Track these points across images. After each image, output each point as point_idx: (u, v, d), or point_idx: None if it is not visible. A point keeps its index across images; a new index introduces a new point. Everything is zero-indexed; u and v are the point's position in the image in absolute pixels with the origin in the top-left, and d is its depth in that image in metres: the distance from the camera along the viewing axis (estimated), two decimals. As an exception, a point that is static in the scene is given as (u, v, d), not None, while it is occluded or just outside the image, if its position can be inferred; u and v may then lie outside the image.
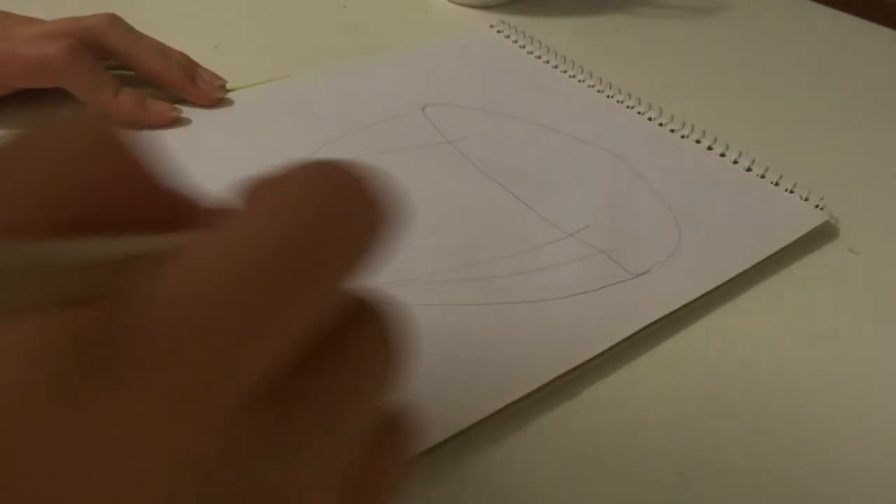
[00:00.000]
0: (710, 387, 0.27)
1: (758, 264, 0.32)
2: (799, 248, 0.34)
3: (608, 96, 0.43)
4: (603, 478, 0.24)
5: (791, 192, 0.36)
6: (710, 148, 0.39)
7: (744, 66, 0.49)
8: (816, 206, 0.35)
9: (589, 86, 0.44)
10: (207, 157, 0.36)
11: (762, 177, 0.37)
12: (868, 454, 0.25)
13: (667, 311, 0.29)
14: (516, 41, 0.48)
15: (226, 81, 0.41)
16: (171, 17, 0.49)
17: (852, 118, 0.44)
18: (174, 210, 0.13)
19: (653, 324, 0.29)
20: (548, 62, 0.46)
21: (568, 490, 0.24)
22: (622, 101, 0.43)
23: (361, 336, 0.12)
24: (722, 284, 0.31)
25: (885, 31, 0.53)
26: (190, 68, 0.40)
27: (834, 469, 0.25)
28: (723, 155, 0.39)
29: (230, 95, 0.41)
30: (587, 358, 0.27)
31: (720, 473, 0.25)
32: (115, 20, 0.38)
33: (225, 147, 0.37)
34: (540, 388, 0.26)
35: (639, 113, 0.42)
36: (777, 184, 0.37)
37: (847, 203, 0.36)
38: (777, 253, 0.33)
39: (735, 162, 0.38)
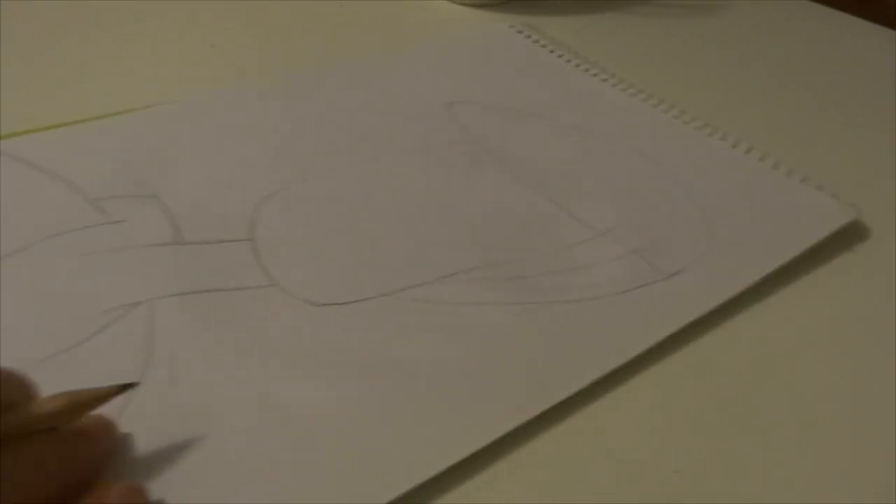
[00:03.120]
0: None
1: (787, 263, 0.32)
2: (827, 247, 0.34)
3: (631, 95, 0.43)
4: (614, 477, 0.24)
5: (819, 189, 0.36)
6: (734, 146, 0.39)
7: (744, 64, 0.48)
8: (845, 204, 0.35)
9: (612, 85, 0.44)
10: (225, 150, 0.36)
11: (788, 175, 0.37)
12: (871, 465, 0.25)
13: (703, 312, 0.29)
14: (536, 41, 0.48)
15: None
16: (167, 16, 0.49)
17: (850, 118, 0.43)
18: None
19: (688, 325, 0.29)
20: (569, 61, 0.46)
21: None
22: (646, 100, 0.43)
23: None
24: (753, 284, 0.31)
25: (884, 32, 0.53)
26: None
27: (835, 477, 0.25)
28: (748, 153, 0.39)
29: (252, 88, 0.41)
30: (628, 359, 0.27)
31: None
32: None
33: (243, 144, 0.37)
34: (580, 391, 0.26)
35: (663, 112, 0.42)
36: (803, 182, 0.37)
37: (875, 200, 0.36)
38: (808, 251, 0.33)
39: (760, 160, 0.38)
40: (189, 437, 0.23)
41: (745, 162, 0.38)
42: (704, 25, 0.53)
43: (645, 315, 0.29)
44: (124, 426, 0.23)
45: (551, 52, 0.47)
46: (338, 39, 0.48)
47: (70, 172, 0.33)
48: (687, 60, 0.48)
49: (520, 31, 0.50)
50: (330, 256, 0.31)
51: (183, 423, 0.24)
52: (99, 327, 0.26)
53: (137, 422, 0.24)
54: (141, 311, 0.27)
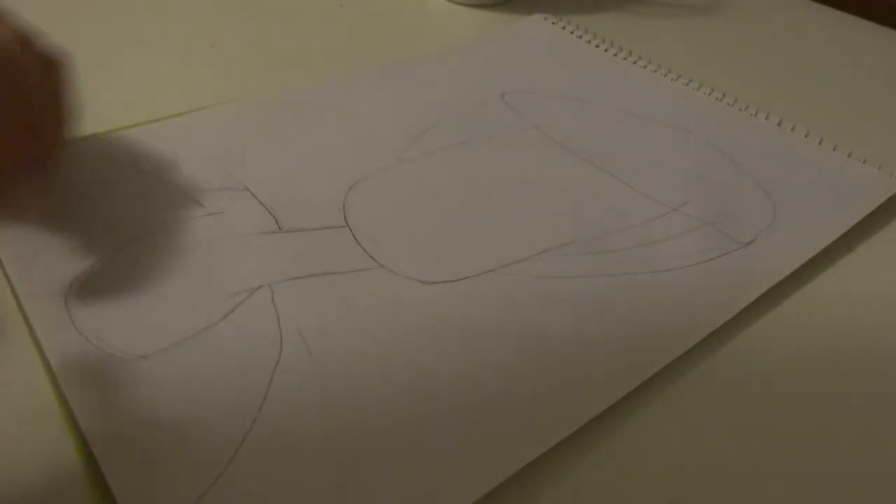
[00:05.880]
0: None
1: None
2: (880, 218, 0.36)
3: (672, 80, 0.45)
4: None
5: (864, 162, 0.39)
6: (779, 125, 0.42)
7: (744, 64, 0.50)
8: (889, 175, 0.38)
9: (652, 70, 0.46)
10: (295, 141, 0.37)
11: (834, 150, 0.40)
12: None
13: (785, 274, 0.31)
14: (572, 32, 0.50)
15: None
16: (167, 15, 0.49)
17: (852, 118, 0.44)
18: None
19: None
20: (607, 50, 0.48)
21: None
22: (687, 84, 0.45)
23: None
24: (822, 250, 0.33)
25: (885, 31, 0.55)
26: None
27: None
28: (793, 131, 0.41)
29: (312, 84, 0.42)
30: (719, 324, 0.29)
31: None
32: None
33: (318, 137, 0.38)
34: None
35: (705, 94, 0.44)
36: (849, 156, 0.39)
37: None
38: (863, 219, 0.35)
39: (806, 136, 0.41)
40: (335, 406, 0.25)
41: (791, 139, 0.41)
42: (704, 25, 0.55)
43: (728, 282, 0.31)
44: (271, 398, 0.24)
45: (588, 42, 0.49)
46: (338, 39, 0.48)
47: (160, 168, 0.34)
48: (687, 60, 0.49)
49: (554, 23, 0.51)
50: (427, 239, 0.32)
51: (326, 393, 0.25)
52: (229, 309, 0.27)
53: (282, 393, 0.25)
54: (264, 294, 0.28)
